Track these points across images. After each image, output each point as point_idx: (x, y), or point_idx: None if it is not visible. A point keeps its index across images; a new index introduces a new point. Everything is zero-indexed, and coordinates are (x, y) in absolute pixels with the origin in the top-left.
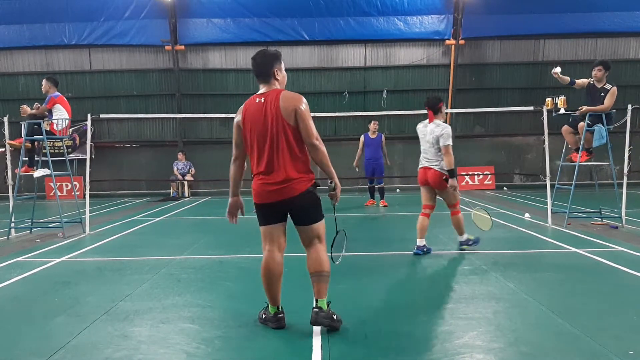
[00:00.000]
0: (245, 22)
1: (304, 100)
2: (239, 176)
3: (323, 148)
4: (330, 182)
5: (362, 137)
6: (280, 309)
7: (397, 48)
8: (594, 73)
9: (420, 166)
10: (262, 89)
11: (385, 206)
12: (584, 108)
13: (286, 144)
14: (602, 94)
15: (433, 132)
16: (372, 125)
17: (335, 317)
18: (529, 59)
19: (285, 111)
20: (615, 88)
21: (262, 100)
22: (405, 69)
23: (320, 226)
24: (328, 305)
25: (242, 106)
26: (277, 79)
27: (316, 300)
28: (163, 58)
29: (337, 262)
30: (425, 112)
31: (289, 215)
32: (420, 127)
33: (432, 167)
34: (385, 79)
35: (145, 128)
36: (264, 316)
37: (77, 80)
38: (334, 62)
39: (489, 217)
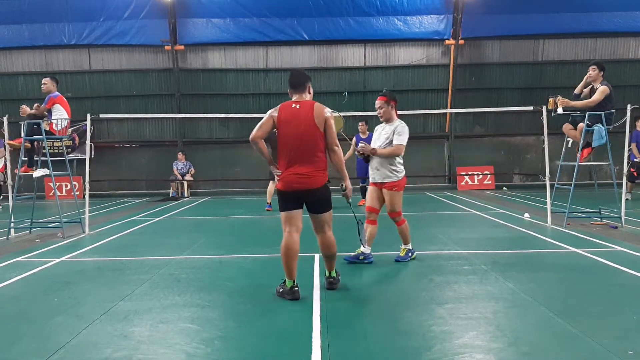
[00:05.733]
0: (244, 22)
1: (331, 113)
2: (265, 148)
3: (341, 153)
4: (342, 185)
5: (354, 139)
6: (295, 283)
7: (397, 48)
8: (588, 73)
9: None
10: (294, 97)
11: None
12: (566, 100)
13: (315, 145)
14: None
15: None
16: (361, 127)
17: (339, 277)
18: (529, 58)
19: (317, 119)
20: (604, 87)
21: (298, 107)
22: (404, 69)
23: (330, 215)
24: (337, 273)
25: (279, 106)
26: (309, 93)
27: (329, 273)
28: (162, 58)
29: (366, 246)
30: (423, 111)
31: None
32: None
33: None
34: (385, 79)
35: (145, 128)
36: (281, 290)
37: (77, 80)
38: (334, 62)
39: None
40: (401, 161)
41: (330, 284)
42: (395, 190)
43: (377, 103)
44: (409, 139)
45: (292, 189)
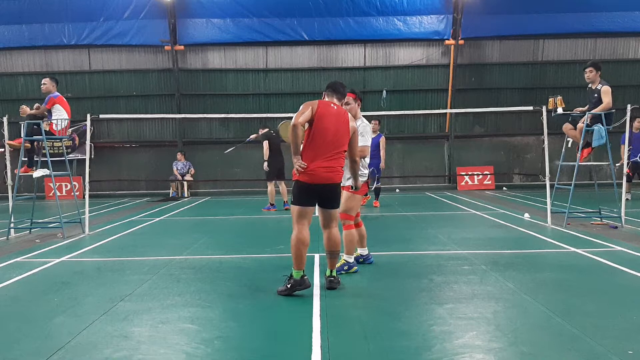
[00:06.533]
0: (244, 22)
1: None
2: (301, 136)
3: (360, 163)
4: (353, 186)
5: None
6: (304, 272)
7: (397, 48)
8: (585, 75)
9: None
10: (328, 98)
11: (376, 206)
12: (588, 114)
13: (344, 144)
14: (596, 95)
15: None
16: (373, 126)
17: (339, 280)
18: (529, 59)
19: (350, 125)
20: (607, 87)
21: (335, 108)
22: (404, 69)
23: (338, 212)
24: (336, 273)
25: (317, 101)
26: (341, 104)
27: (330, 271)
28: (162, 58)
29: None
30: (423, 111)
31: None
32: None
33: None
34: (385, 79)
35: (145, 128)
36: (289, 286)
37: (77, 81)
38: (334, 62)
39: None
40: (365, 164)
41: (330, 283)
42: (352, 192)
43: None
44: (409, 139)
45: (319, 181)
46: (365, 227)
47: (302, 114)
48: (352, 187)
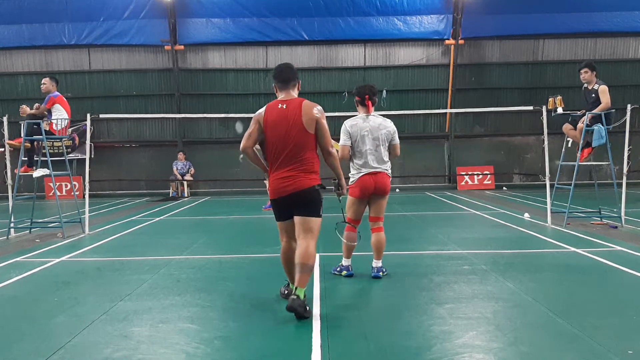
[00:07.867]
0: (244, 22)
1: (323, 111)
2: (257, 157)
3: (336, 155)
4: (335, 180)
5: None
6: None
7: (397, 48)
8: (581, 76)
9: (365, 172)
10: (281, 95)
11: None
12: (588, 114)
13: (301, 147)
14: (593, 95)
15: (385, 127)
16: None
17: (307, 308)
18: (529, 58)
19: (306, 120)
20: (604, 86)
21: (284, 107)
22: (404, 68)
23: (316, 222)
24: (305, 296)
25: (264, 108)
26: (298, 89)
27: (295, 288)
28: (162, 58)
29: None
30: (423, 111)
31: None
32: (359, 123)
33: (385, 170)
34: (385, 79)
35: (145, 128)
36: (286, 292)
37: (77, 80)
38: (334, 62)
39: None
40: (354, 165)
41: (291, 302)
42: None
43: None
44: (409, 138)
45: (278, 195)
46: (363, 227)
47: (249, 137)
48: (335, 183)
